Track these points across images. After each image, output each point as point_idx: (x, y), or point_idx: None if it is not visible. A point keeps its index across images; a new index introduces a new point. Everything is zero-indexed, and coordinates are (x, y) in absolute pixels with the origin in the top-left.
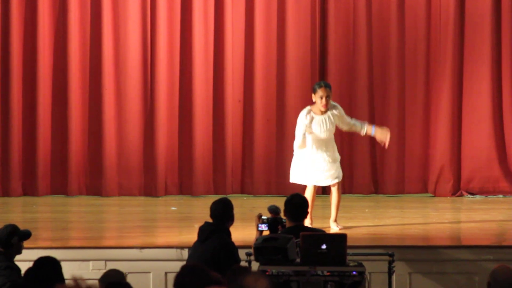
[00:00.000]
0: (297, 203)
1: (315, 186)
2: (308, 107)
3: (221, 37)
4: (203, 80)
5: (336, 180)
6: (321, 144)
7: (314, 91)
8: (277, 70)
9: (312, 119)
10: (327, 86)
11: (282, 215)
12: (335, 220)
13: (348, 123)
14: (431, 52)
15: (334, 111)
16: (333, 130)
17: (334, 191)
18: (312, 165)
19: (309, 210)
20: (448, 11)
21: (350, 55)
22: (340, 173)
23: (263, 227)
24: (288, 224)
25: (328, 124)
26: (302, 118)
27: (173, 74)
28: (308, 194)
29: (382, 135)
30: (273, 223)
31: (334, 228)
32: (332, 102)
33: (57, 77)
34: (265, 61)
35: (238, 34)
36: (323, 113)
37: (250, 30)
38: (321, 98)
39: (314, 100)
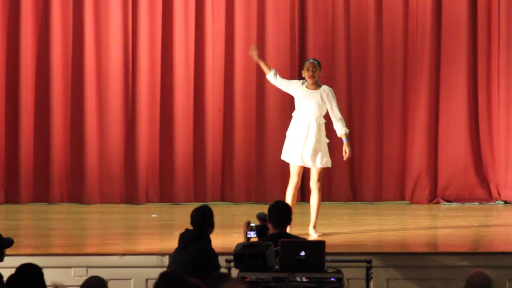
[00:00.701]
0: (280, 209)
1: (298, 184)
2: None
3: (201, 47)
4: (183, 89)
5: (322, 165)
6: (309, 123)
7: (303, 67)
8: (256, 80)
9: (301, 87)
10: (315, 60)
11: None
12: (314, 227)
13: (334, 112)
14: (408, 61)
15: (325, 90)
16: (323, 112)
17: (314, 191)
18: (299, 143)
19: (291, 216)
20: (425, 21)
21: (329, 65)
22: (328, 160)
23: (252, 234)
24: (271, 230)
25: (315, 101)
26: (293, 80)
27: (154, 84)
28: (290, 191)
29: (348, 148)
30: (261, 230)
31: (312, 235)
32: (326, 86)
33: (40, 86)
34: (244, 70)
35: (218, 44)
36: (313, 88)
37: (230, 41)
38: (308, 69)
39: (303, 76)
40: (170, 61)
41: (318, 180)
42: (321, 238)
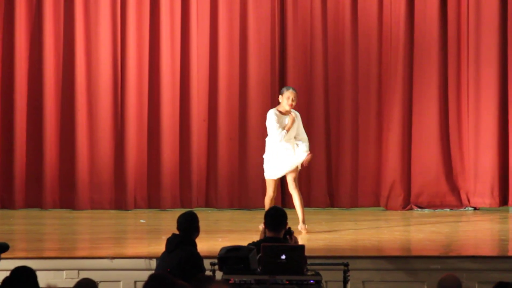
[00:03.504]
0: (273, 215)
1: (276, 185)
2: (273, 109)
3: (187, 61)
4: (170, 101)
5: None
6: (287, 142)
7: (282, 93)
8: (239, 92)
9: (279, 116)
10: (294, 90)
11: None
12: (303, 222)
13: (301, 133)
14: (383, 76)
15: (296, 113)
16: (295, 133)
17: (294, 192)
18: (278, 159)
19: (286, 220)
20: (398, 38)
21: (308, 78)
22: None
23: None
24: (267, 234)
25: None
26: (272, 115)
27: (142, 95)
28: (270, 191)
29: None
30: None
31: (302, 230)
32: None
33: (33, 98)
34: (228, 83)
35: (203, 58)
36: (287, 113)
37: (214, 55)
38: (288, 98)
39: (280, 101)
40: (156, 74)
41: (295, 184)
42: (301, 242)
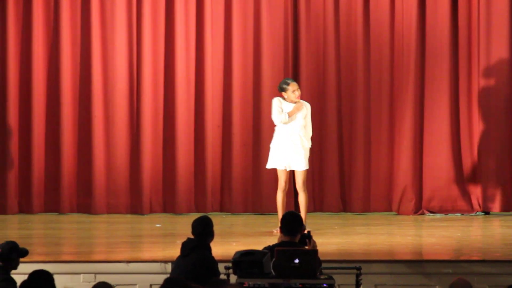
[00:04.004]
0: (289, 219)
1: (287, 175)
2: (278, 97)
3: (201, 67)
4: (185, 108)
5: (304, 168)
6: (293, 131)
7: (285, 90)
8: (253, 98)
9: (286, 105)
10: (293, 81)
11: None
12: (305, 222)
13: (308, 124)
14: (395, 81)
15: (305, 102)
16: (303, 123)
17: (300, 191)
18: (284, 150)
19: (302, 224)
20: (410, 44)
21: (321, 84)
22: (307, 163)
23: None
24: (283, 238)
25: (300, 113)
26: (275, 101)
27: (157, 102)
28: (279, 194)
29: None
30: (300, 238)
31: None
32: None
33: (51, 104)
34: (242, 89)
35: (217, 64)
36: (291, 101)
37: (228, 61)
38: (294, 92)
39: (285, 97)
40: (172, 80)
41: (303, 184)
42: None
